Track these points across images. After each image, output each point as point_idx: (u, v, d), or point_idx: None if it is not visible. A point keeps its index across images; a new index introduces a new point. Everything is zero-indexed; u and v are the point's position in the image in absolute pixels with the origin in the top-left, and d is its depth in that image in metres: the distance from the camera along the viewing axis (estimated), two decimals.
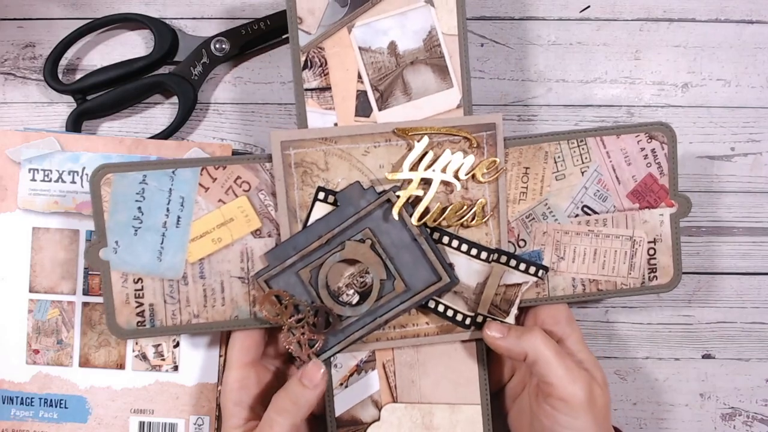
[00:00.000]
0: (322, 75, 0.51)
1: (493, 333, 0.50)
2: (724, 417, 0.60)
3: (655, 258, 0.53)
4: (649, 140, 0.52)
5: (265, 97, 0.59)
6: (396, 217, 0.50)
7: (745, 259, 0.59)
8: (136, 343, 0.55)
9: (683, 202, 0.53)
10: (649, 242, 0.53)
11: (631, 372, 0.60)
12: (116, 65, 0.57)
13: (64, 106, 0.59)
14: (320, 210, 0.50)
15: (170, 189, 0.50)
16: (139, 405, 0.55)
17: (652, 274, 0.53)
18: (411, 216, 0.50)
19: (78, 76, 0.59)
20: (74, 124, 0.57)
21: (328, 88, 0.51)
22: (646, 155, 0.52)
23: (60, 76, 0.58)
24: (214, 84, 0.59)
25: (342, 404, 0.52)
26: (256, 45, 0.58)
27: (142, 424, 0.55)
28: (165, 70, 0.58)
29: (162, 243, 0.50)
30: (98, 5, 0.59)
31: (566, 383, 0.48)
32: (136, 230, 0.50)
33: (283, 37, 0.57)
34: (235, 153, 0.55)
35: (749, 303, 0.60)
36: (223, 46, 0.57)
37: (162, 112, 0.59)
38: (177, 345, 0.55)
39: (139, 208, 0.50)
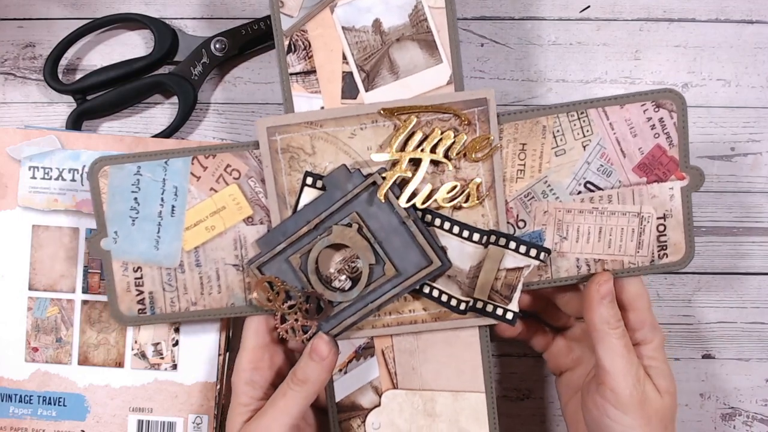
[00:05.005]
0: (307, 58, 0.50)
1: (602, 288, 0.48)
2: (724, 417, 0.59)
3: (665, 234, 0.50)
4: (657, 109, 0.49)
5: (265, 97, 0.59)
6: (382, 199, 0.48)
7: (745, 259, 0.59)
8: (135, 342, 0.55)
9: (695, 174, 0.49)
10: (658, 218, 0.50)
11: None
12: (116, 65, 0.57)
13: (64, 106, 0.59)
14: (309, 195, 0.49)
15: (164, 179, 0.51)
16: (137, 403, 0.55)
17: (662, 252, 0.50)
18: (398, 198, 0.48)
19: (78, 76, 0.59)
20: (74, 124, 0.57)
21: (313, 71, 0.50)
22: (654, 125, 0.49)
23: (60, 76, 0.58)
24: (214, 84, 0.59)
25: (342, 390, 0.52)
26: (256, 45, 0.58)
27: (140, 423, 0.55)
28: (165, 70, 0.58)
29: (158, 232, 0.51)
30: (98, 5, 0.59)
31: (621, 374, 0.47)
32: (133, 220, 0.51)
33: None
34: None
35: (749, 303, 0.59)
36: (223, 46, 0.57)
37: (162, 112, 0.59)
38: (176, 344, 0.55)
39: (135, 198, 0.51)
